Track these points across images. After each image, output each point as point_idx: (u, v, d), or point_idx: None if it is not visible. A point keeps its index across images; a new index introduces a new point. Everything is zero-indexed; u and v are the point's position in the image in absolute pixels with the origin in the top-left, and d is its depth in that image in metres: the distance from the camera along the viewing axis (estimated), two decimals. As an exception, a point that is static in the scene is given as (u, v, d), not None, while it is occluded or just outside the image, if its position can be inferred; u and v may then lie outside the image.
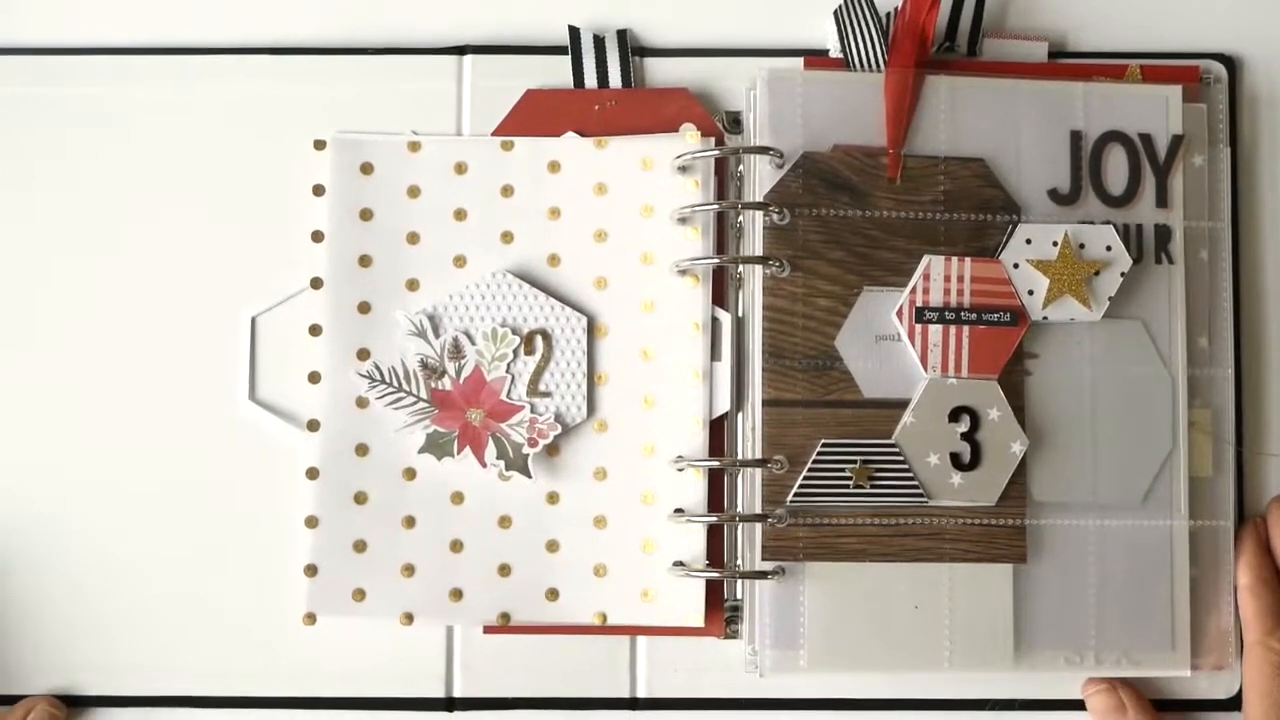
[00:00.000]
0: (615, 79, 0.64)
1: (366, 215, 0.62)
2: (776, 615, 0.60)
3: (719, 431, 0.62)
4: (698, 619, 0.61)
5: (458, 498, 0.62)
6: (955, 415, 0.60)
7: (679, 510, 0.61)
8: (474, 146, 0.63)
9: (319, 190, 0.63)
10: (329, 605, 0.61)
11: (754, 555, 0.60)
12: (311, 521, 0.61)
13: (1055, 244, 0.61)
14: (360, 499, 0.61)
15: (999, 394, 0.60)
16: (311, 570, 0.61)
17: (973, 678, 0.62)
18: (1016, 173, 0.62)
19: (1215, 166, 0.63)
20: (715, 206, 0.62)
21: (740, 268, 0.62)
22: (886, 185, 0.61)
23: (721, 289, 0.62)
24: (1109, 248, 0.61)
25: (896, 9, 0.63)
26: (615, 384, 0.62)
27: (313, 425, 0.62)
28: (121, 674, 0.62)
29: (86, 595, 0.62)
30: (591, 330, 0.62)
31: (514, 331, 0.62)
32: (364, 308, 0.62)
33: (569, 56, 0.64)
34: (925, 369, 0.60)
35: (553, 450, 0.62)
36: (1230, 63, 0.65)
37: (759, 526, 0.60)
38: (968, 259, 0.61)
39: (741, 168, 0.62)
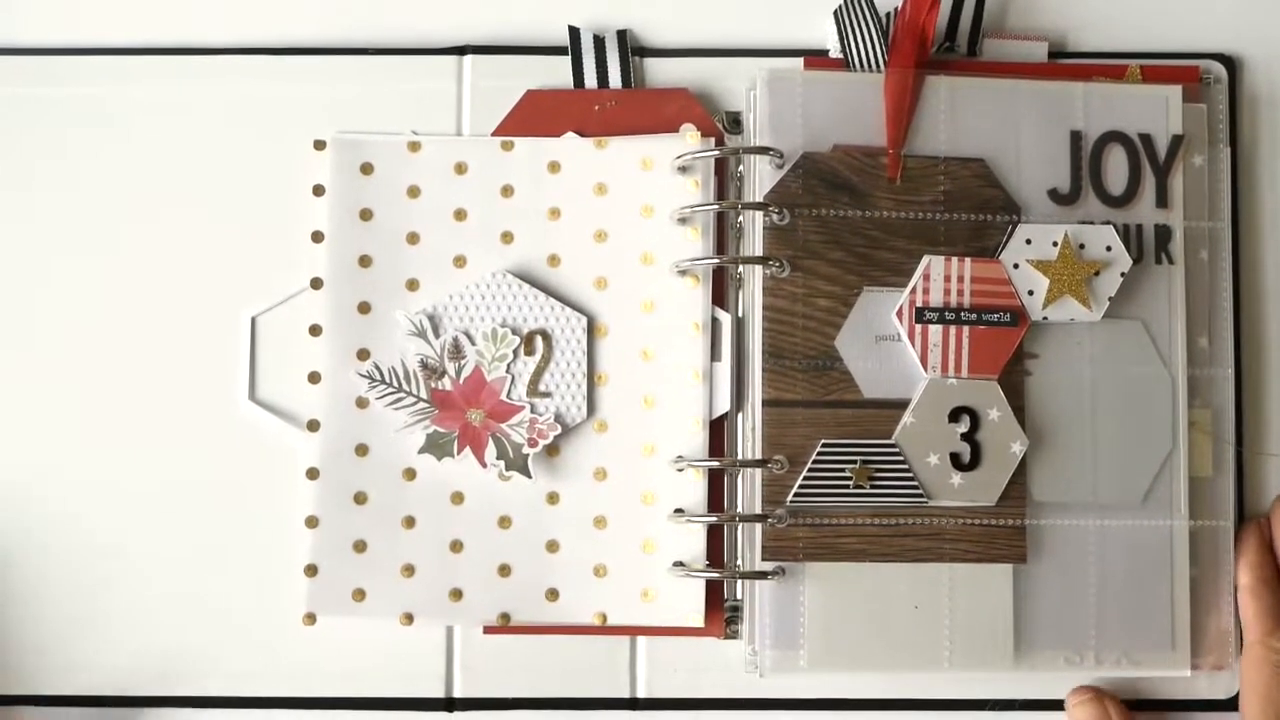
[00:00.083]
0: (615, 79, 0.64)
1: (366, 215, 0.62)
2: (776, 615, 0.60)
3: (719, 431, 0.62)
4: (698, 619, 0.61)
5: (458, 498, 0.62)
6: (955, 415, 0.60)
7: (679, 510, 0.61)
8: (474, 146, 0.63)
9: (319, 190, 0.63)
10: (329, 605, 0.61)
11: (754, 555, 0.60)
12: (311, 521, 0.61)
13: (1055, 244, 0.61)
14: (360, 499, 0.61)
15: (999, 394, 0.60)
16: (311, 570, 0.61)
17: (973, 678, 0.62)
18: (1016, 173, 0.62)
19: (1215, 166, 0.63)
20: (715, 207, 0.62)
21: (740, 268, 0.62)
22: (886, 185, 0.61)
23: (721, 289, 0.62)
24: (1109, 248, 0.61)
25: (896, 9, 0.63)
26: (615, 384, 0.62)
27: (313, 425, 0.62)
28: (122, 674, 0.62)
29: (86, 595, 0.62)
30: (591, 330, 0.62)
31: (514, 332, 0.62)
32: (364, 308, 0.62)
33: (569, 57, 0.64)
34: (925, 369, 0.60)
35: (553, 450, 0.62)
36: (1230, 63, 0.65)
37: (759, 527, 0.60)
38: (968, 259, 0.61)
39: (741, 168, 0.62)
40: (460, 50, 0.64)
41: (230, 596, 0.62)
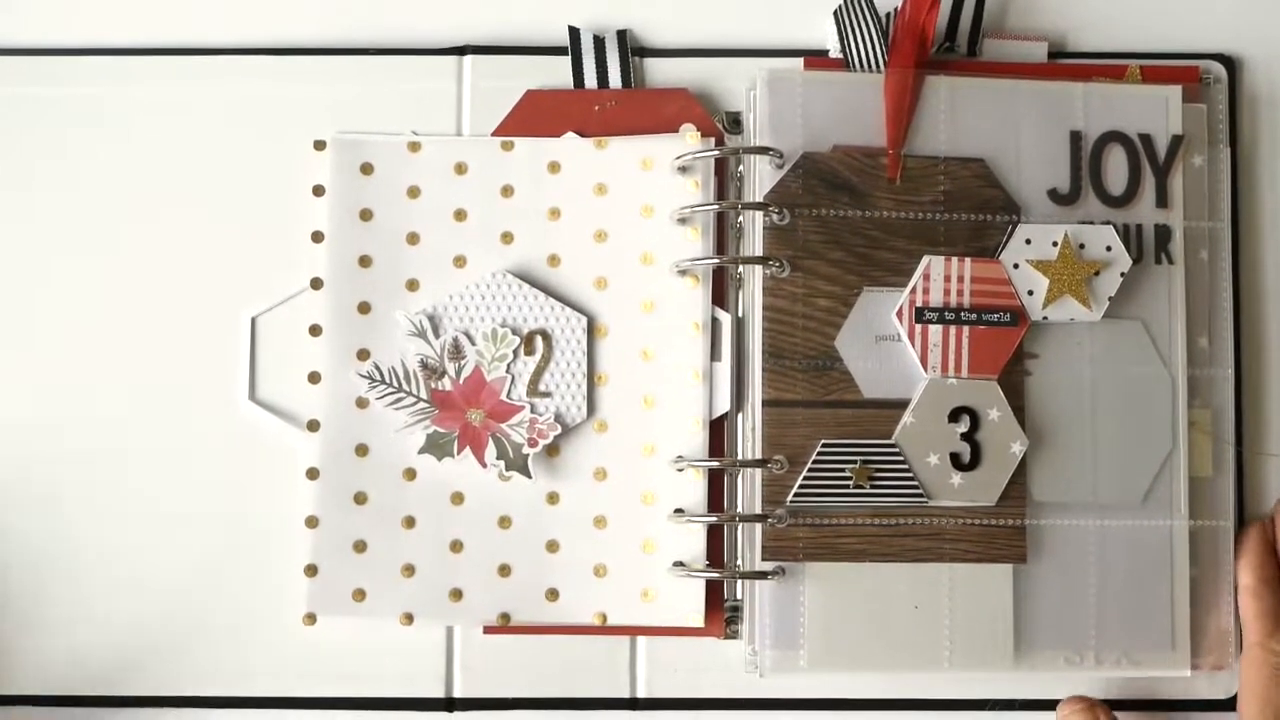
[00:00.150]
0: (615, 79, 0.64)
1: (366, 215, 0.62)
2: (776, 615, 0.60)
3: (719, 431, 0.62)
4: (698, 619, 0.61)
5: (458, 498, 0.62)
6: (955, 415, 0.60)
7: (679, 510, 0.61)
8: (474, 147, 0.63)
9: (319, 190, 0.63)
10: (329, 605, 0.61)
11: (754, 555, 0.60)
12: (311, 521, 0.61)
13: (1055, 244, 0.61)
14: (360, 499, 0.61)
15: (999, 394, 0.60)
16: (311, 570, 0.61)
17: (973, 678, 0.62)
18: (1016, 173, 0.62)
19: (1215, 166, 0.63)
20: (715, 207, 0.62)
21: (740, 268, 0.62)
22: (886, 185, 0.61)
23: (721, 289, 0.62)
24: (1109, 248, 0.61)
25: (896, 9, 0.63)
26: (615, 384, 0.62)
27: (313, 425, 0.62)
28: (122, 674, 0.62)
29: (86, 595, 0.62)
30: (591, 330, 0.62)
31: (514, 332, 0.62)
32: (364, 308, 0.62)
33: (569, 57, 0.64)
34: (925, 369, 0.60)
35: (553, 450, 0.62)
36: (1230, 63, 0.65)
37: (759, 527, 0.60)
38: (968, 259, 0.61)
39: (741, 168, 0.62)
40: (460, 50, 0.64)
41: (230, 596, 0.62)
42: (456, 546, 0.61)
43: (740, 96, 0.64)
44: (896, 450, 0.60)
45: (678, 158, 0.62)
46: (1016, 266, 0.61)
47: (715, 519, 0.61)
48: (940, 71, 0.62)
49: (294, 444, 0.62)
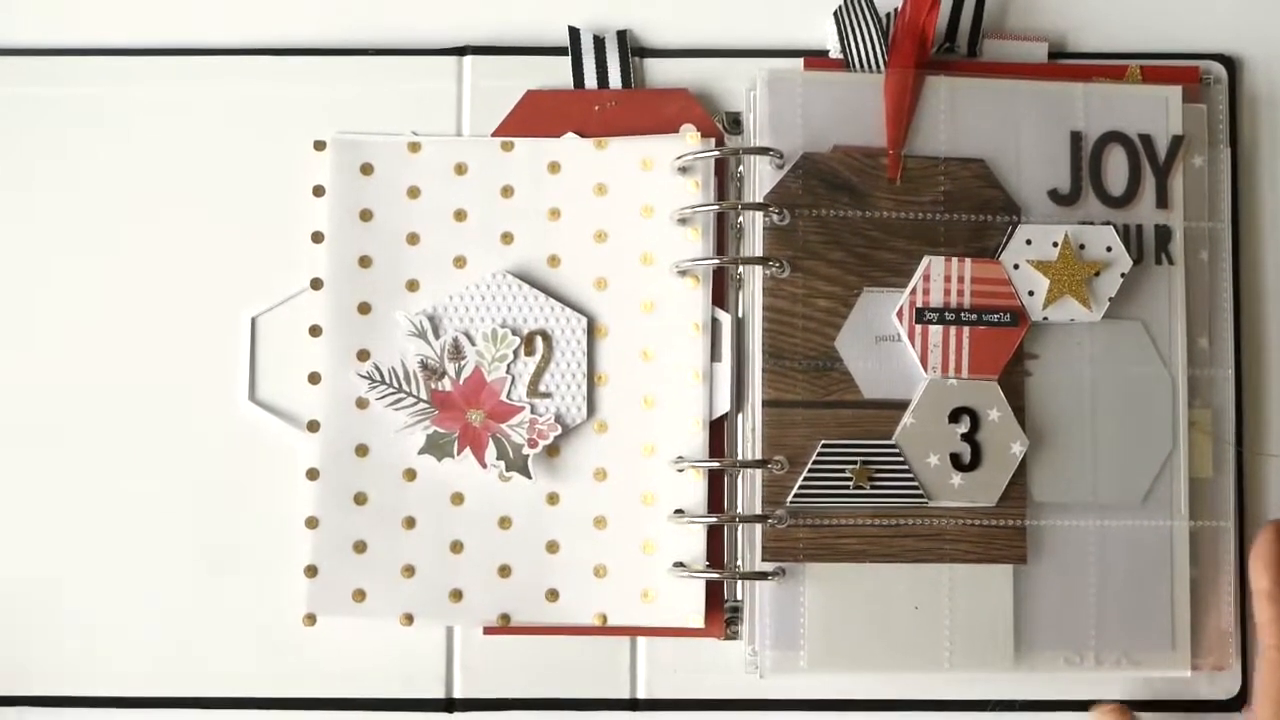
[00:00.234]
0: (615, 79, 0.64)
1: (366, 216, 0.62)
2: (776, 616, 0.60)
3: (719, 432, 0.62)
4: (698, 620, 0.61)
5: (458, 498, 0.62)
6: (955, 416, 0.60)
7: (679, 511, 0.61)
8: (474, 147, 0.63)
9: (319, 191, 0.63)
10: (329, 605, 0.61)
11: (754, 556, 0.60)
12: (311, 522, 0.61)
13: (1055, 244, 0.61)
14: (360, 499, 0.61)
15: (999, 394, 0.60)
16: (311, 571, 0.61)
17: (973, 678, 0.62)
18: (1016, 173, 0.62)
19: (1215, 167, 0.63)
20: (715, 207, 0.62)
21: (740, 268, 0.62)
22: (886, 186, 0.61)
23: (721, 289, 0.62)
24: (1109, 248, 0.61)
25: (896, 9, 0.63)
26: (615, 384, 0.62)
27: (313, 426, 0.62)
28: (122, 674, 0.62)
29: (86, 595, 0.62)
30: (591, 331, 0.62)
31: (514, 332, 0.62)
32: (364, 308, 0.62)
33: (569, 57, 0.64)
34: (925, 369, 0.60)
35: (553, 451, 0.62)
36: (1230, 63, 0.65)
37: (759, 527, 0.60)
38: (968, 259, 0.61)
39: (741, 168, 0.62)
40: (460, 50, 0.64)
41: (230, 596, 0.62)
42: (456, 547, 0.61)
43: (740, 96, 0.64)
44: (896, 451, 0.60)
45: (678, 158, 0.62)
46: (1016, 267, 0.61)
47: (715, 519, 0.61)
48: (940, 71, 0.62)
49: (294, 444, 0.62)
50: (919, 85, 0.62)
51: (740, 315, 0.62)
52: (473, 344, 0.62)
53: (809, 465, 0.60)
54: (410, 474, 0.61)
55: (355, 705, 0.62)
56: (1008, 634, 0.60)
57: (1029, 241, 0.61)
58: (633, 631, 0.62)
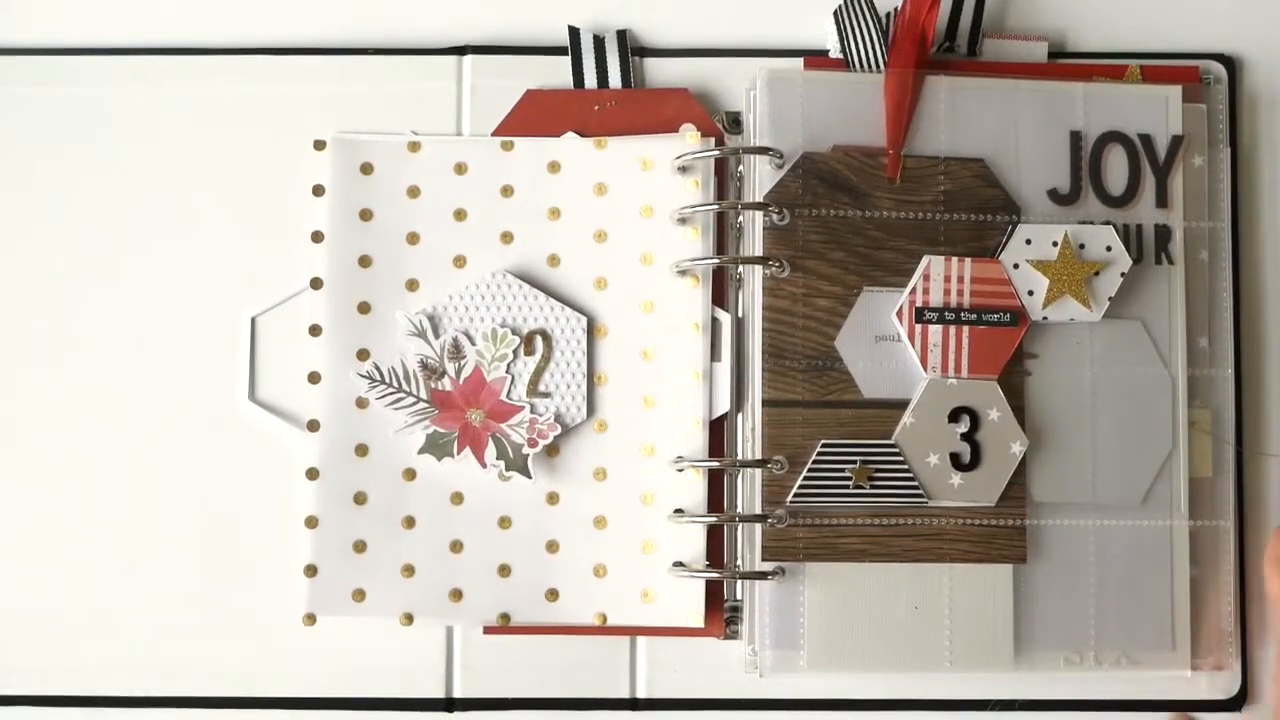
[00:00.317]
0: (615, 79, 0.64)
1: (366, 215, 0.62)
2: (776, 615, 0.60)
3: (719, 432, 0.62)
4: (698, 619, 0.61)
5: (458, 498, 0.62)
6: (955, 415, 0.60)
7: (679, 510, 0.61)
8: (474, 147, 0.63)
9: (319, 190, 0.63)
10: (329, 605, 0.61)
11: (754, 555, 0.60)
12: (311, 521, 0.61)
13: (1055, 244, 0.61)
14: (360, 499, 0.61)
15: (999, 394, 0.60)
16: (311, 570, 0.61)
17: (973, 678, 0.62)
18: (1016, 173, 0.62)
19: (1215, 167, 0.63)
20: (715, 207, 0.62)
21: (740, 268, 0.62)
22: (886, 185, 0.61)
23: (721, 289, 0.62)
24: (1109, 248, 0.61)
25: (896, 9, 0.63)
26: (615, 384, 0.62)
27: (313, 425, 0.62)
28: (122, 674, 0.62)
29: (86, 595, 0.62)
30: (591, 330, 0.62)
31: (514, 332, 0.62)
32: (364, 308, 0.62)
33: (569, 57, 0.64)
34: (925, 369, 0.60)
35: (552, 450, 0.62)
36: (1230, 63, 0.65)
37: (759, 527, 0.60)
38: (968, 259, 0.61)
39: (741, 168, 0.62)
40: (460, 50, 0.64)
41: (230, 596, 0.62)
42: (456, 546, 0.61)
43: (740, 96, 0.64)
44: (896, 450, 0.60)
45: (678, 158, 0.62)
46: (1016, 266, 0.61)
47: (715, 519, 0.61)
48: (940, 71, 0.62)
49: (294, 444, 0.62)
50: (919, 85, 0.62)
51: (740, 315, 0.62)
52: (472, 344, 0.62)
53: (809, 465, 0.60)
54: (410, 474, 0.61)
55: (355, 705, 0.62)
56: (1008, 634, 0.60)
57: (1029, 241, 0.61)
58: (633, 631, 0.62)
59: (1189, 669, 0.61)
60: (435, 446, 0.61)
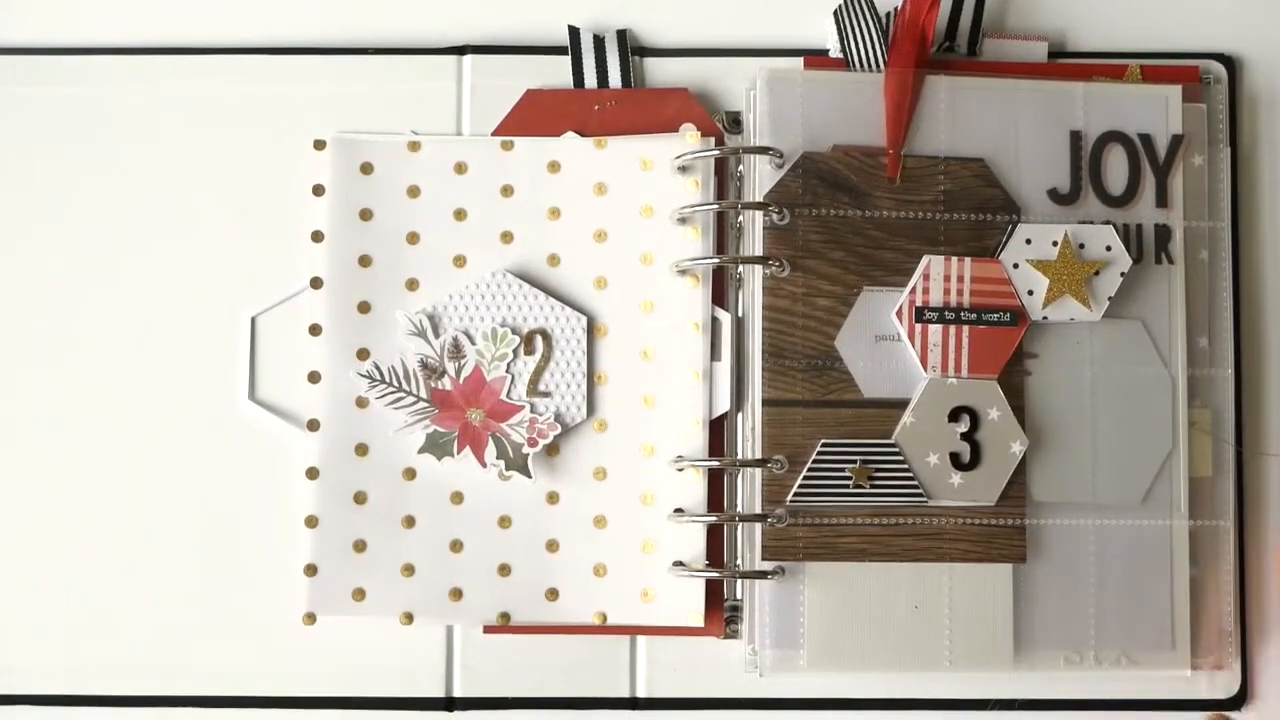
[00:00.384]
0: (615, 79, 0.64)
1: (366, 215, 0.62)
2: (776, 615, 0.60)
3: (719, 431, 0.62)
4: (698, 619, 0.61)
5: (458, 498, 0.62)
6: (955, 415, 0.60)
7: (679, 510, 0.61)
8: (474, 146, 0.63)
9: (319, 190, 0.63)
10: (329, 605, 0.61)
11: (754, 555, 0.60)
12: (311, 521, 0.61)
13: (1055, 244, 0.61)
14: (360, 499, 0.61)
15: (999, 394, 0.60)
16: (311, 570, 0.61)
17: (973, 677, 0.62)
18: (1016, 173, 0.62)
19: (1215, 167, 0.63)
20: (715, 206, 0.62)
21: (740, 268, 0.62)
22: (886, 185, 0.61)
23: (721, 289, 0.62)
24: (1109, 248, 0.61)
25: (896, 9, 0.63)
26: (615, 384, 0.62)
27: (313, 425, 0.62)
28: (121, 673, 0.62)
29: (86, 594, 0.62)
30: (591, 330, 0.62)
31: (514, 331, 0.62)
32: (364, 308, 0.62)
33: (569, 56, 0.64)
34: (925, 369, 0.60)
35: (552, 450, 0.62)
36: (1230, 63, 0.65)
37: (759, 526, 0.60)
38: (968, 259, 0.61)
39: (741, 168, 0.62)
40: (460, 50, 0.64)
41: (230, 596, 0.62)
42: (456, 546, 0.61)
43: (740, 96, 0.64)
44: (896, 450, 0.60)
45: (677, 157, 0.62)
46: (1016, 266, 0.61)
47: (715, 519, 0.61)
48: (940, 71, 0.62)
49: (294, 444, 0.62)
50: (919, 85, 0.62)
51: (740, 315, 0.62)
52: (472, 343, 0.62)
53: (809, 464, 0.60)
54: (410, 473, 0.61)
55: (355, 704, 0.62)
56: (1008, 634, 0.60)
57: (1029, 241, 0.61)
58: (632, 630, 0.62)
59: (1189, 669, 0.61)
60: (435, 446, 0.61)
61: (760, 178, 0.61)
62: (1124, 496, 0.61)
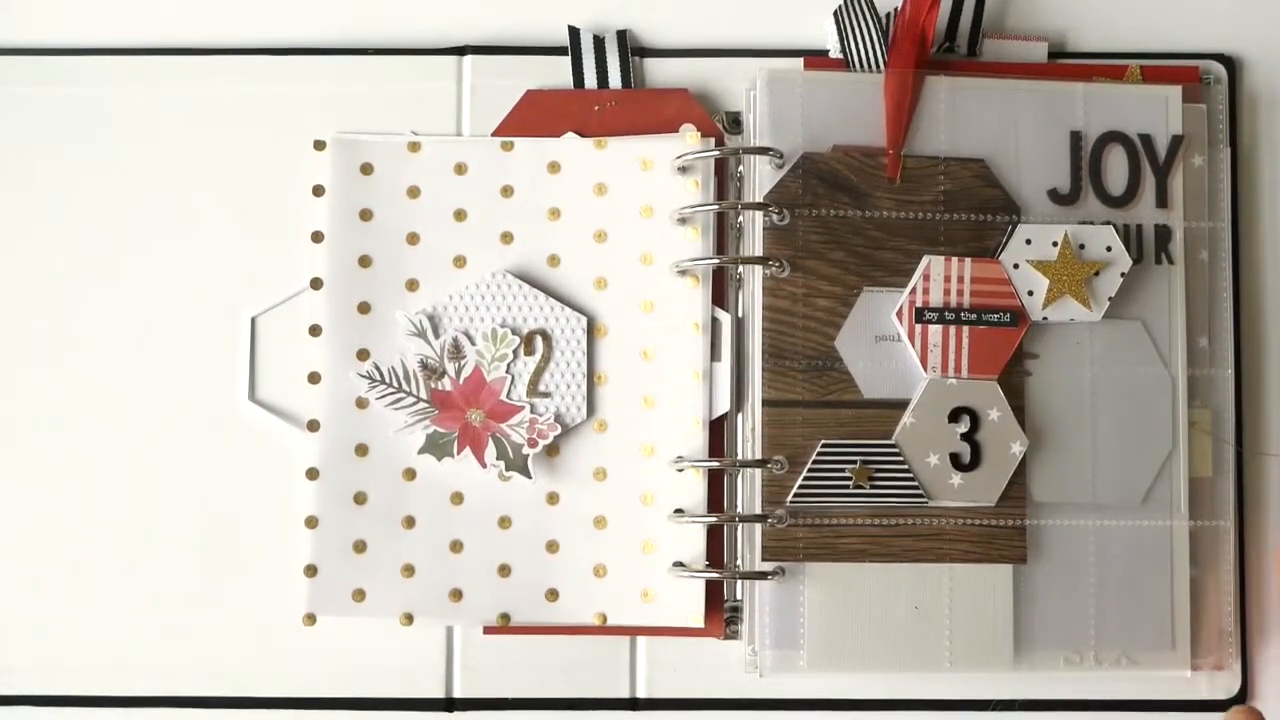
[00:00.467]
0: (615, 79, 0.64)
1: (366, 215, 0.62)
2: (776, 615, 0.60)
3: (719, 432, 0.62)
4: (698, 619, 0.61)
5: (458, 498, 0.62)
6: (955, 415, 0.60)
7: (679, 510, 0.61)
8: (474, 147, 0.63)
9: (319, 190, 0.63)
10: (329, 605, 0.61)
11: (754, 555, 0.60)
12: (311, 521, 0.61)
13: (1055, 244, 0.61)
14: (360, 499, 0.61)
15: (999, 394, 0.60)
16: (311, 570, 0.61)
17: (973, 678, 0.62)
18: (1016, 173, 0.62)
19: (1215, 167, 0.63)
20: (715, 207, 0.62)
21: (740, 268, 0.62)
22: (886, 185, 0.61)
23: (721, 289, 0.62)
24: (1109, 248, 0.61)
25: (896, 9, 0.63)
26: (615, 384, 0.62)
27: (313, 425, 0.62)
28: (121, 673, 0.62)
29: (86, 594, 0.62)
30: (591, 330, 0.62)
31: (514, 332, 0.62)
32: (364, 308, 0.62)
33: (569, 57, 0.64)
34: (925, 369, 0.60)
35: (552, 450, 0.62)
36: (1230, 63, 0.65)
37: (759, 527, 0.60)
38: (968, 259, 0.61)
39: (741, 168, 0.62)
40: (460, 50, 0.64)
41: (230, 597, 0.62)
42: (456, 546, 0.61)
43: (740, 96, 0.64)
44: (896, 450, 0.60)
45: (677, 158, 0.62)
46: (1016, 266, 0.61)
47: (715, 519, 0.61)
48: (940, 71, 0.62)
49: (293, 444, 0.62)
50: (919, 85, 0.62)
51: (740, 315, 0.62)
52: (472, 343, 0.62)
53: (809, 465, 0.60)
54: (410, 474, 0.61)
55: (355, 705, 0.62)
56: (1008, 634, 0.60)
57: (1029, 241, 0.61)
58: (633, 631, 0.62)
59: (1189, 669, 0.61)
60: (435, 446, 0.61)
61: (760, 178, 0.61)
62: (1124, 497, 0.61)
